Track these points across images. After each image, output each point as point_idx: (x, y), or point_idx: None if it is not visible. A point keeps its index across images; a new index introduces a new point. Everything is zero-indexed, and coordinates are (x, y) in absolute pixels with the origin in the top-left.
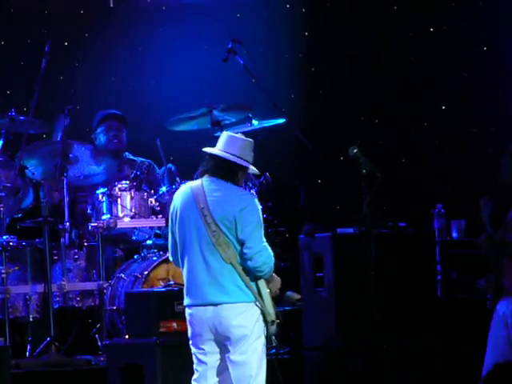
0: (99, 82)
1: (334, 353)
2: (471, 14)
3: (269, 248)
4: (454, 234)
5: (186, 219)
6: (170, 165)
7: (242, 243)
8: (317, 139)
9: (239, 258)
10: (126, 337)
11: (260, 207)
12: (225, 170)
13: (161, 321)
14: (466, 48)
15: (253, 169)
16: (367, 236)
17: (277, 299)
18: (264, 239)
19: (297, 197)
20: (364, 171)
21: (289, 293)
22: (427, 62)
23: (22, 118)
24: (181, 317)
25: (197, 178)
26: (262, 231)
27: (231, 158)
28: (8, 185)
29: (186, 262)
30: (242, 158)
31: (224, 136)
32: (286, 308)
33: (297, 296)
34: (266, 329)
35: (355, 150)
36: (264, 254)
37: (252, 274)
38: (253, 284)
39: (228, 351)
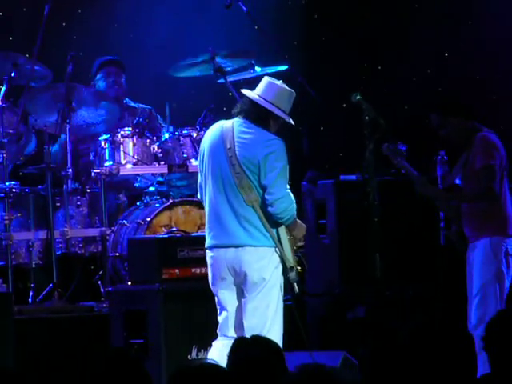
0: (101, 28)
1: (336, 300)
2: None
3: (291, 195)
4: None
5: (211, 158)
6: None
7: (264, 188)
8: (320, 86)
9: (261, 202)
10: (129, 283)
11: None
12: (256, 115)
13: (163, 267)
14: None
15: (289, 119)
16: (370, 183)
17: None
18: (287, 186)
19: (300, 144)
20: (367, 118)
21: None
22: (431, 7)
23: (26, 65)
24: (183, 263)
25: (230, 118)
26: (287, 178)
27: (264, 103)
28: (10, 131)
29: (208, 201)
30: (275, 106)
31: (263, 81)
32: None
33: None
34: (286, 275)
35: (358, 97)
36: (285, 201)
37: (273, 220)
38: (273, 230)
39: (245, 297)
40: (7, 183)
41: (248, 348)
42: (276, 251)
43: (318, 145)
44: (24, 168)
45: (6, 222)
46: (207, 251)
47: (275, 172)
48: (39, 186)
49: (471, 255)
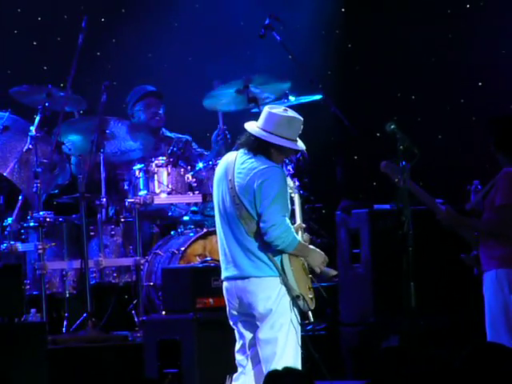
0: (136, 58)
1: (370, 329)
2: None
3: (286, 222)
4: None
5: (217, 191)
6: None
7: (259, 217)
8: (354, 115)
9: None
10: (163, 313)
11: (286, 181)
12: (256, 146)
13: (197, 297)
14: (502, 23)
15: (294, 144)
16: (404, 212)
17: (315, 275)
18: (284, 213)
19: (334, 173)
20: (401, 147)
21: (325, 269)
22: (465, 39)
23: (60, 93)
24: (217, 293)
25: (236, 150)
26: (282, 206)
27: (263, 135)
28: (45, 161)
29: (218, 234)
30: (276, 135)
31: (263, 111)
32: (323, 284)
33: (333, 272)
34: (294, 304)
35: (392, 126)
36: (278, 229)
37: (274, 248)
38: (277, 258)
39: (257, 327)
40: (41, 213)
41: (281, 380)
42: (282, 279)
43: (352, 174)
44: (58, 197)
45: (40, 251)
46: (223, 283)
47: (269, 199)
48: (73, 216)
49: (484, 286)
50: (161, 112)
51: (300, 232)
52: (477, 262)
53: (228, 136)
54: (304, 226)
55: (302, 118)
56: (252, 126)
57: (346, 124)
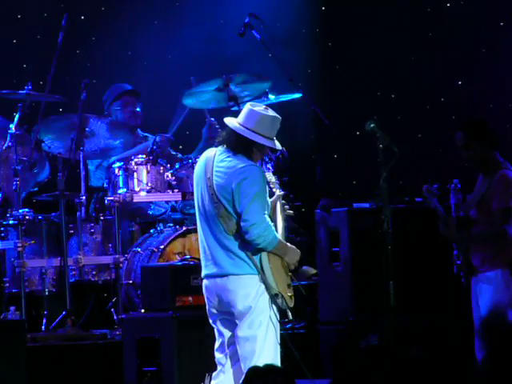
0: (115, 56)
1: (350, 328)
2: None
3: (267, 221)
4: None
5: (196, 188)
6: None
7: (239, 215)
8: (333, 114)
9: (240, 230)
10: (142, 311)
11: (265, 179)
12: (237, 143)
13: (177, 295)
14: (482, 22)
15: (273, 144)
16: (384, 211)
17: (293, 273)
18: (264, 212)
19: (313, 171)
20: (381, 146)
21: (304, 267)
22: (445, 36)
23: (37, 92)
24: (197, 291)
25: (215, 147)
26: (262, 204)
27: (244, 132)
28: (24, 158)
29: (198, 232)
30: (256, 133)
31: (244, 108)
32: (302, 283)
33: (313, 271)
34: (273, 302)
35: (372, 125)
36: (259, 227)
37: (253, 247)
38: (256, 257)
39: (236, 325)
40: (21, 210)
41: (262, 377)
42: (261, 278)
43: (331, 172)
44: (38, 195)
45: (20, 249)
46: (203, 281)
47: (248, 198)
48: (53, 214)
49: (478, 286)
50: (138, 110)
51: (278, 203)
52: (465, 267)
53: (219, 129)
54: (282, 193)
55: (280, 118)
56: (233, 122)
57: (325, 122)
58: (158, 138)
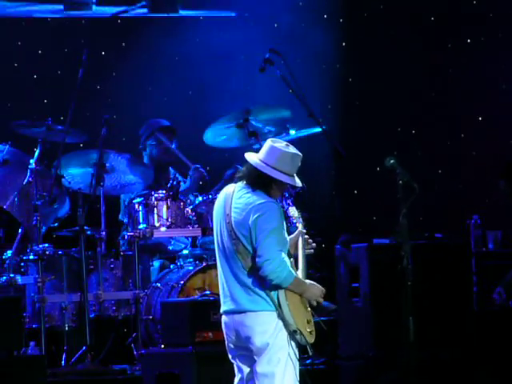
0: (136, 91)
1: (370, 363)
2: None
3: (281, 257)
4: (490, 245)
5: (216, 225)
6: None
7: (255, 251)
8: (353, 150)
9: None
10: (162, 346)
11: (282, 216)
12: (257, 179)
13: (197, 330)
14: (503, 59)
15: (293, 181)
16: (404, 247)
17: (314, 309)
18: (279, 248)
19: (333, 207)
20: (401, 182)
21: (324, 303)
22: (465, 73)
23: (58, 127)
24: (217, 327)
25: (235, 183)
26: (278, 241)
27: (265, 168)
28: (44, 194)
29: (218, 268)
30: (276, 169)
31: (265, 144)
32: (322, 318)
33: (332, 306)
34: (292, 339)
35: (392, 161)
36: (273, 263)
37: (270, 283)
38: (274, 293)
39: (255, 361)
40: (41, 245)
41: None
42: (279, 314)
43: (351, 208)
44: (58, 230)
45: (40, 284)
46: (221, 317)
47: (264, 234)
48: (73, 249)
49: None
50: (173, 147)
51: (300, 238)
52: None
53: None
54: (304, 230)
55: (301, 155)
56: (253, 158)
57: (344, 157)
58: (191, 172)
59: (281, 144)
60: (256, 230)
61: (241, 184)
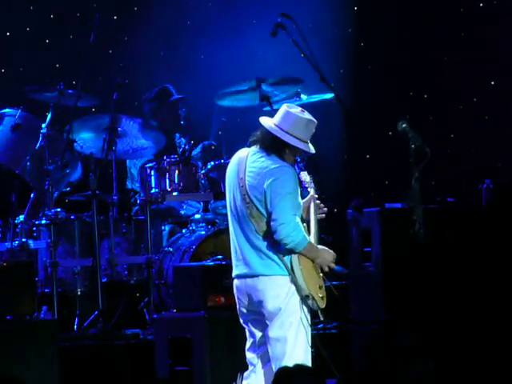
0: (148, 55)
1: (382, 328)
2: None
3: (296, 221)
4: None
5: (228, 189)
6: (207, 142)
7: (269, 215)
8: (366, 114)
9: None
10: (174, 311)
11: (297, 180)
12: (271, 144)
13: (209, 295)
14: None
15: (307, 147)
16: (416, 211)
17: (326, 274)
18: (293, 212)
19: (345, 171)
20: (413, 146)
21: (336, 268)
22: (477, 37)
23: (70, 91)
24: (228, 291)
25: (249, 146)
26: (293, 205)
27: (279, 133)
28: (56, 158)
29: (230, 232)
30: (291, 135)
31: (281, 109)
32: (334, 283)
33: (344, 271)
34: (304, 304)
35: (404, 125)
36: (287, 227)
37: (283, 248)
38: (287, 258)
39: (267, 326)
40: (53, 210)
41: (292, 377)
42: (291, 278)
43: (363, 173)
44: (70, 195)
45: (52, 248)
46: (233, 281)
47: (278, 198)
48: (85, 213)
49: None
50: (182, 116)
51: (312, 203)
52: None
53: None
54: (316, 194)
55: (316, 121)
56: (268, 123)
57: (355, 123)
58: (206, 144)
59: (296, 109)
60: (271, 193)
61: (255, 148)
